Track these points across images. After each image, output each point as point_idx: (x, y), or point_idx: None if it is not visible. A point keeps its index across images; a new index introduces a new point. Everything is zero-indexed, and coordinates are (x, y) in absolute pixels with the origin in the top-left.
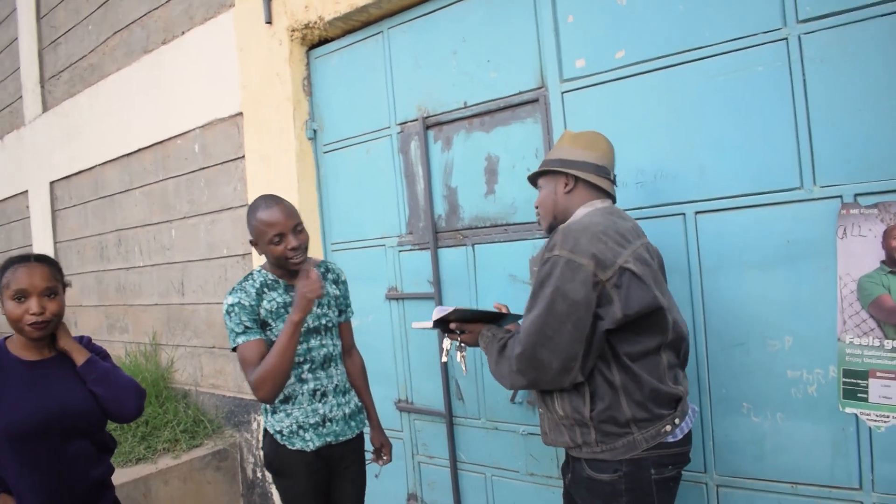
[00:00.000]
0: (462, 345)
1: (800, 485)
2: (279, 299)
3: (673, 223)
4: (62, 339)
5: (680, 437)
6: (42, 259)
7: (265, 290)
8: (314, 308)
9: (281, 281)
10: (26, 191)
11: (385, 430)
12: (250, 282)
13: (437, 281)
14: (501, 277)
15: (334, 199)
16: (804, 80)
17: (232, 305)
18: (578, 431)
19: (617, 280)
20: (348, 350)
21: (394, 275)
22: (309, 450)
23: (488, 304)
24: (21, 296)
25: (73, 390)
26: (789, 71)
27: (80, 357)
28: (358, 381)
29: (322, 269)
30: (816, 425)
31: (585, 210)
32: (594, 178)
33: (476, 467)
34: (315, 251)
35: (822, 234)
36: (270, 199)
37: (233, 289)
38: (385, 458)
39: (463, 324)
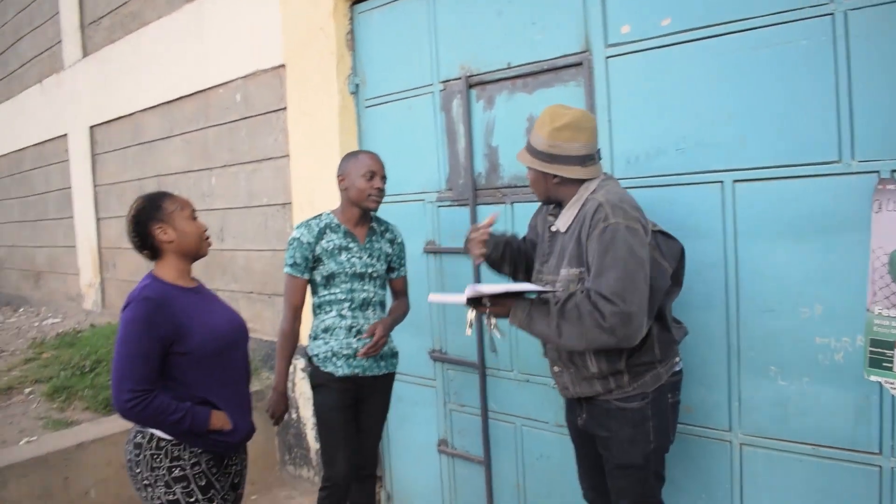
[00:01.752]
0: (489, 317)
1: (821, 447)
2: (336, 241)
3: (710, 190)
4: None
5: (681, 366)
6: None
7: (327, 230)
8: (365, 257)
9: (342, 226)
10: (65, 134)
11: (418, 378)
12: (316, 220)
13: None
14: None
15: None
16: (848, 56)
17: (293, 239)
18: (612, 380)
19: (654, 243)
20: (398, 297)
21: (432, 229)
22: (337, 375)
23: None
24: (195, 215)
25: (233, 310)
26: (833, 46)
27: None
28: (396, 308)
29: (382, 228)
30: (841, 391)
31: (595, 184)
32: (579, 171)
33: (506, 416)
34: None
35: (858, 208)
36: (371, 151)
37: (301, 223)
38: (369, 339)
39: (493, 298)
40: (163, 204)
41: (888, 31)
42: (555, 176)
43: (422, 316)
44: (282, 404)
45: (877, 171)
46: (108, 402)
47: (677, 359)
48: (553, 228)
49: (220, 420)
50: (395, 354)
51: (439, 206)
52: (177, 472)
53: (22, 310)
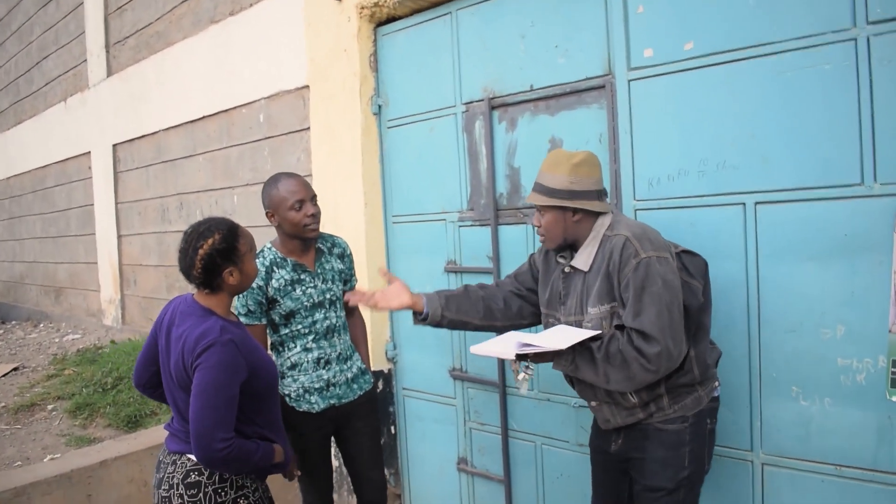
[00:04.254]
0: (530, 365)
1: (844, 467)
2: (287, 276)
3: (733, 212)
4: None
5: (719, 392)
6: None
7: (274, 268)
8: (319, 284)
9: (289, 259)
10: (89, 152)
11: (438, 396)
12: (261, 259)
13: (496, 257)
14: None
15: (396, 173)
16: (871, 80)
17: None
18: (653, 405)
19: (681, 264)
20: (352, 312)
21: (453, 249)
22: (314, 411)
23: None
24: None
25: None
26: (856, 71)
27: None
28: (358, 334)
29: (328, 244)
30: (863, 412)
31: (607, 220)
32: (598, 205)
33: (526, 435)
34: (376, 224)
35: (880, 230)
36: (290, 173)
37: None
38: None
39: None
40: (237, 245)
41: None
42: (574, 213)
43: (442, 334)
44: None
45: None
46: (129, 419)
47: (716, 383)
48: (567, 270)
49: (280, 454)
50: (364, 372)
51: (460, 226)
52: (242, 501)
53: (42, 325)
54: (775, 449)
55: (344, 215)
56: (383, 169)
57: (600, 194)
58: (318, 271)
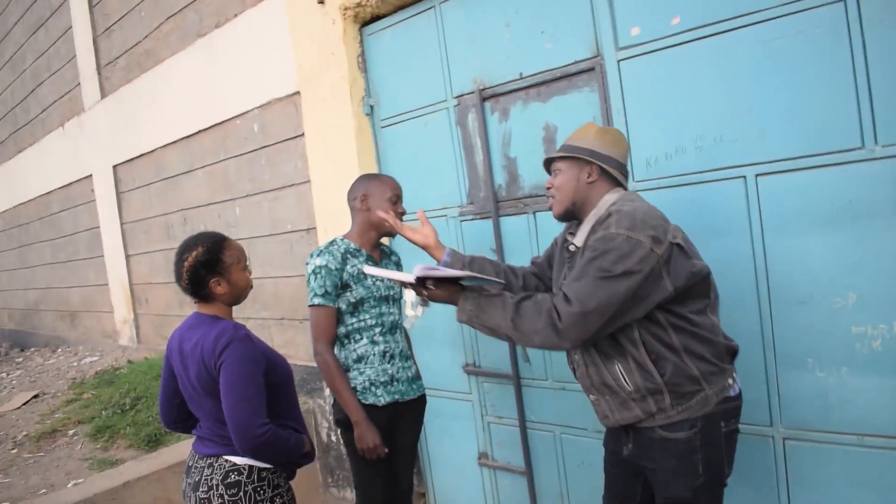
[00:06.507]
0: (426, 301)
1: (866, 436)
2: (360, 266)
3: (734, 186)
4: None
5: (738, 390)
6: None
7: (349, 255)
8: (385, 280)
9: (363, 250)
10: (90, 175)
11: (454, 392)
12: (335, 246)
13: (499, 248)
14: None
15: (394, 172)
16: (863, 41)
17: (319, 267)
18: (652, 401)
19: (668, 255)
20: None
21: (456, 244)
22: (380, 405)
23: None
24: (247, 264)
25: None
26: (848, 32)
27: None
28: (408, 344)
29: (388, 251)
30: (881, 379)
31: (614, 196)
32: (617, 174)
33: (544, 426)
34: None
35: (884, 193)
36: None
37: (320, 251)
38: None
39: (438, 282)
40: (222, 256)
41: None
42: (589, 174)
43: (453, 331)
44: (373, 433)
45: None
46: (150, 439)
47: (729, 381)
48: (571, 248)
49: (307, 443)
50: (419, 377)
51: (462, 221)
52: (278, 501)
53: (60, 350)
54: (796, 422)
55: (345, 220)
56: (380, 169)
57: (622, 167)
58: (385, 269)
